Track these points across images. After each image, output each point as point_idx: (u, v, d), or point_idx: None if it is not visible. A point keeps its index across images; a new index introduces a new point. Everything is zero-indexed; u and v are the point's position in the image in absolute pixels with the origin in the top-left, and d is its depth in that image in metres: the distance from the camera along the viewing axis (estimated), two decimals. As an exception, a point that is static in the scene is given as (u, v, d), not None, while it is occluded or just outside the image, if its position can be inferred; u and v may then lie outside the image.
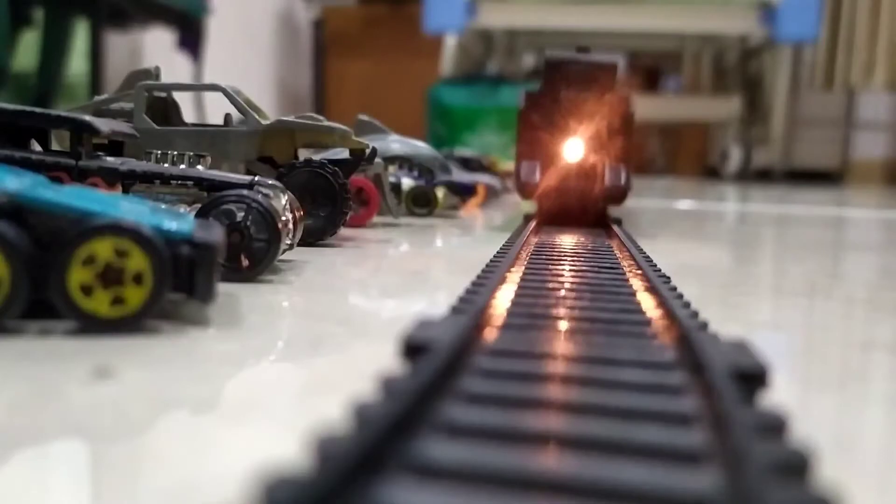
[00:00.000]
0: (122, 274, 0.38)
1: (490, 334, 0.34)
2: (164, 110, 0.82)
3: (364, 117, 1.18)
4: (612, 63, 0.96)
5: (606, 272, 0.53)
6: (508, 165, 1.48)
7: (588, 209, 0.94)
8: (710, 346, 0.29)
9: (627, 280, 0.50)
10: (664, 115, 3.47)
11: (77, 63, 1.98)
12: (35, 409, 0.29)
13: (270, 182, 0.59)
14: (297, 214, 0.60)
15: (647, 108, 2.38)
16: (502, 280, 0.46)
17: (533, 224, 0.83)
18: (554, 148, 0.95)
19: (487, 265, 0.51)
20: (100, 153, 0.59)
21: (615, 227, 0.81)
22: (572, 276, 0.50)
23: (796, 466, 0.19)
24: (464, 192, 1.32)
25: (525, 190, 0.97)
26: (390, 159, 1.16)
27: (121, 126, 0.63)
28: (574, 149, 0.94)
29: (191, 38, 2.29)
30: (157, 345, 0.38)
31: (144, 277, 0.39)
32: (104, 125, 0.58)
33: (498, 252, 0.58)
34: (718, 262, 0.88)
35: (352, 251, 0.79)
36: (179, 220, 0.41)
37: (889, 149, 3.85)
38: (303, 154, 0.85)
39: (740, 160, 3.82)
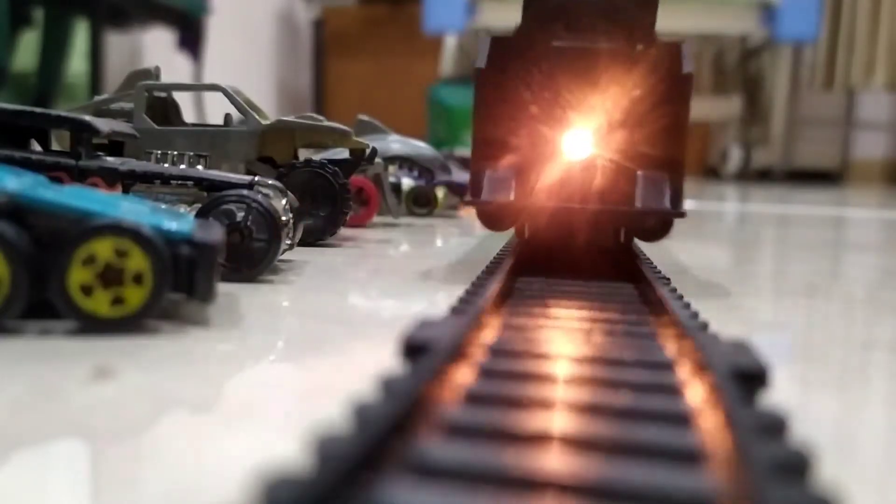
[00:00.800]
0: (122, 274, 0.38)
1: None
2: (164, 110, 0.82)
3: (364, 117, 1.18)
4: None
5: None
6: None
7: (603, 246, 0.58)
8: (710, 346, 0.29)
9: None
10: (664, 116, 3.47)
11: (77, 63, 1.98)
12: (35, 409, 0.29)
13: (270, 182, 0.59)
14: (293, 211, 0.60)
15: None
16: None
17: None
18: (544, 141, 0.56)
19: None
20: (100, 153, 0.59)
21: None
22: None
23: (796, 466, 0.19)
24: (464, 192, 1.32)
25: (489, 216, 0.56)
26: (390, 159, 1.16)
27: (121, 126, 0.63)
28: (580, 143, 0.56)
29: (191, 38, 2.29)
30: (157, 345, 0.38)
31: (144, 277, 0.39)
32: (104, 125, 0.58)
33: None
34: (718, 262, 0.88)
35: (352, 251, 0.79)
36: (179, 220, 0.41)
37: (889, 149, 3.85)
38: (303, 154, 0.85)
39: (740, 160, 3.82)
